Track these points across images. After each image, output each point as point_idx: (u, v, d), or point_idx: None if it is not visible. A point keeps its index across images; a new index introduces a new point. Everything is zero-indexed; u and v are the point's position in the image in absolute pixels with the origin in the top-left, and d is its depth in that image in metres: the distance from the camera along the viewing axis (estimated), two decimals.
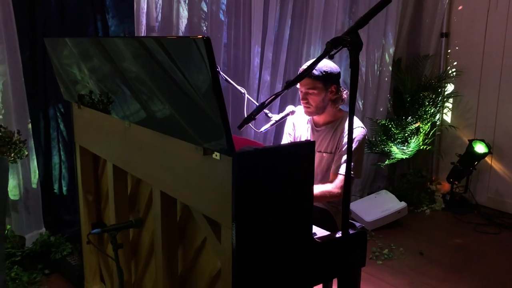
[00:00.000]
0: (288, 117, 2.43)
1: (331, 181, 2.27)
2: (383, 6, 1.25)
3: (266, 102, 1.60)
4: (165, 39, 1.41)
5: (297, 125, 2.48)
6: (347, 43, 1.25)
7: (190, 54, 1.28)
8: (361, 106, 4.62)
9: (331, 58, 1.31)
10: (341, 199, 2.21)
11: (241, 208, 1.41)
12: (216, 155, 1.44)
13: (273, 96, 1.56)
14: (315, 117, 2.40)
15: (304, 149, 1.52)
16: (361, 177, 2.28)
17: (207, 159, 1.49)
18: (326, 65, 2.23)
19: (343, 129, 2.29)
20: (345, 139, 2.24)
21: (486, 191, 4.73)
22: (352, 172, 2.21)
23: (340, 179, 2.23)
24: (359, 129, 2.26)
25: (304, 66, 2.19)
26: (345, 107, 2.37)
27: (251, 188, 1.43)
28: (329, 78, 2.23)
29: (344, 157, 2.22)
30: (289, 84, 1.50)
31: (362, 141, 2.27)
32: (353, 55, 1.26)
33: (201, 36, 1.20)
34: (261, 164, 1.44)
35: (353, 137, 2.21)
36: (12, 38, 3.06)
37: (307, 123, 2.44)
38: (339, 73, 2.29)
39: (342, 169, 2.23)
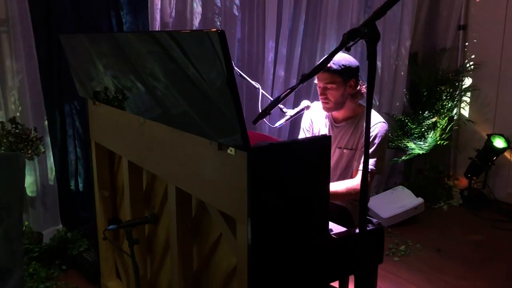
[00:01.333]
0: (305, 113, 2.40)
1: (354, 178, 2.23)
2: None
3: (281, 97, 1.58)
4: (178, 34, 1.40)
5: (315, 121, 2.44)
6: (364, 34, 1.22)
7: (204, 48, 1.27)
8: (377, 101, 4.57)
9: (347, 50, 1.29)
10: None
11: (257, 203, 1.40)
12: (231, 150, 1.43)
13: (288, 90, 1.53)
14: (334, 113, 2.34)
15: (320, 143, 1.50)
16: (383, 173, 2.23)
17: (222, 154, 1.47)
18: (345, 58, 2.19)
19: (360, 125, 2.25)
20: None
21: (506, 186, 4.63)
22: (374, 168, 2.17)
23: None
24: (381, 124, 2.21)
25: None
26: (364, 102, 2.33)
27: (267, 183, 1.41)
28: (348, 72, 2.18)
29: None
30: (305, 78, 1.47)
31: (385, 137, 2.22)
32: (371, 47, 1.23)
33: (215, 30, 1.19)
34: (276, 159, 1.42)
35: (376, 133, 2.18)
36: (28, 36, 3.08)
37: (326, 118, 2.40)
38: (358, 67, 2.23)
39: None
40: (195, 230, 1.91)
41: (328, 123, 2.39)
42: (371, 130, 2.19)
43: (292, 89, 1.54)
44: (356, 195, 2.18)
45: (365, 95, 2.26)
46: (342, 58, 2.19)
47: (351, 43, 1.27)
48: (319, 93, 2.26)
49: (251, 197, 1.38)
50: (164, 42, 1.46)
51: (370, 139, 2.19)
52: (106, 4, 3.39)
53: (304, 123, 2.48)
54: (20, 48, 3.06)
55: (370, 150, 2.18)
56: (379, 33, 1.22)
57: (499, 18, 4.53)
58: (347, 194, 2.17)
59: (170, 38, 1.41)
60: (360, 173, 2.19)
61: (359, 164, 2.22)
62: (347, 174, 2.32)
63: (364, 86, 2.26)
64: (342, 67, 2.17)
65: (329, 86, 2.20)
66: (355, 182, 2.19)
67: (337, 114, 2.34)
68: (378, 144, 2.20)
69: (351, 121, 2.31)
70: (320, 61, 1.42)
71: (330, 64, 2.15)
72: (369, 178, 2.17)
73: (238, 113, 1.26)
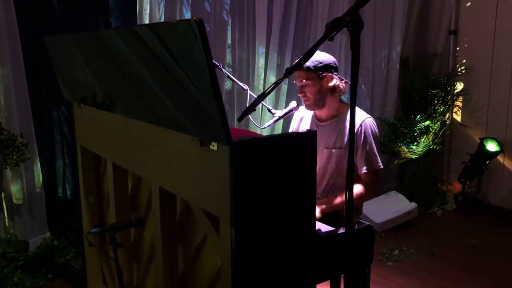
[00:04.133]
0: (295, 113, 2.38)
1: (359, 182, 2.22)
2: None
3: (266, 92, 1.54)
4: (158, 25, 1.36)
5: (304, 121, 2.44)
6: (347, 23, 1.19)
7: (183, 38, 1.23)
8: (369, 106, 4.55)
9: (331, 40, 1.25)
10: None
11: (240, 200, 1.35)
12: (213, 146, 1.39)
13: (273, 85, 1.49)
14: (318, 112, 2.34)
15: (306, 138, 1.46)
16: (382, 166, 2.24)
17: (204, 151, 1.43)
18: (318, 55, 2.21)
19: (346, 123, 2.23)
20: (358, 135, 2.20)
21: (499, 190, 4.61)
22: (380, 164, 2.20)
23: (368, 177, 2.19)
24: (368, 121, 2.20)
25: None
26: (348, 100, 2.31)
27: (250, 178, 1.37)
28: (322, 67, 2.20)
29: (362, 157, 2.19)
30: (289, 72, 1.44)
31: (375, 132, 2.22)
32: (354, 35, 1.20)
33: (194, 18, 1.15)
34: (260, 154, 1.38)
35: (365, 130, 2.16)
36: (15, 41, 3.05)
37: (311, 118, 2.39)
38: (333, 63, 2.24)
39: (362, 168, 2.19)
40: (181, 232, 1.85)
41: (313, 123, 2.38)
42: (359, 129, 2.17)
43: (276, 83, 1.50)
44: (367, 196, 2.22)
45: (345, 90, 2.27)
46: (315, 55, 2.21)
47: (334, 33, 1.24)
48: (298, 92, 2.27)
49: (234, 193, 1.34)
50: (145, 36, 1.42)
51: (362, 139, 2.17)
52: (95, 9, 3.36)
53: (294, 121, 2.47)
54: (6, 54, 3.02)
55: (366, 151, 2.19)
56: (362, 22, 1.19)
57: (489, 22, 4.55)
58: (357, 200, 2.18)
59: (150, 31, 1.38)
60: (365, 176, 2.19)
61: (362, 166, 2.20)
62: (338, 174, 2.28)
63: (343, 82, 2.26)
64: (315, 62, 2.19)
65: (304, 82, 2.22)
66: (360, 186, 2.20)
67: (320, 113, 2.33)
68: (371, 141, 2.19)
69: (336, 119, 2.29)
70: (304, 54, 1.39)
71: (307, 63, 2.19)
72: (377, 176, 2.22)
73: (218, 103, 1.21)
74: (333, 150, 2.25)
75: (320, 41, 1.31)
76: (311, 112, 2.38)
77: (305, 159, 1.48)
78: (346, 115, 2.26)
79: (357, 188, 2.19)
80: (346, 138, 2.22)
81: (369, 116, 2.24)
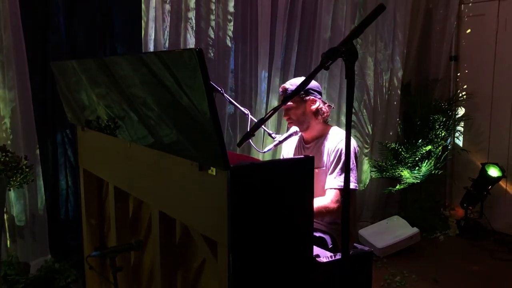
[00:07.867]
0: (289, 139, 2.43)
1: (323, 196, 2.25)
2: (377, 14, 1.23)
3: (265, 118, 1.58)
4: (164, 53, 1.41)
5: (290, 145, 2.54)
6: (342, 53, 1.23)
7: (187, 65, 1.28)
8: (370, 130, 4.58)
9: (326, 69, 1.29)
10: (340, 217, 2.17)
11: (237, 224, 1.37)
12: (212, 171, 1.41)
13: (271, 111, 1.53)
14: (304, 134, 2.44)
15: (303, 163, 1.49)
16: (355, 189, 2.28)
17: (203, 175, 1.46)
18: (301, 80, 2.28)
19: (326, 143, 2.33)
20: (330, 154, 2.28)
21: (503, 216, 4.58)
22: (339, 185, 2.22)
23: (333, 193, 2.23)
24: (344, 142, 2.25)
25: (286, 84, 2.31)
26: (333, 122, 2.39)
27: (248, 203, 1.39)
28: (305, 91, 2.29)
29: (335, 172, 2.24)
30: (287, 98, 1.48)
31: (353, 154, 2.27)
32: (349, 65, 1.24)
33: (193, 48, 1.20)
34: (257, 179, 1.40)
35: (341, 149, 2.22)
36: (22, 66, 3.11)
37: (297, 142, 2.50)
38: (316, 87, 2.36)
39: (332, 183, 2.23)
40: (180, 256, 1.86)
41: (298, 145, 2.48)
42: (336, 146, 2.28)
43: (275, 110, 1.54)
44: (327, 213, 2.23)
45: (328, 114, 2.37)
46: (299, 80, 2.31)
47: (330, 62, 1.28)
48: (284, 115, 2.38)
49: (231, 218, 1.36)
50: (151, 63, 1.46)
51: (337, 156, 2.26)
52: (101, 35, 3.45)
53: (284, 149, 2.58)
54: (14, 78, 3.08)
55: (339, 167, 2.24)
56: (357, 51, 1.23)
57: (489, 48, 4.61)
58: (318, 213, 2.20)
59: (157, 58, 1.42)
60: (330, 192, 2.24)
61: (331, 182, 2.26)
62: (323, 194, 2.32)
63: (326, 105, 2.36)
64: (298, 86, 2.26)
65: (288, 105, 2.32)
66: (325, 201, 2.23)
67: (306, 135, 2.44)
68: (342, 160, 2.24)
69: (319, 140, 2.39)
70: (301, 81, 1.43)
71: (288, 87, 2.30)
72: (339, 196, 2.23)
73: (216, 128, 1.25)
74: (316, 170, 2.31)
75: (316, 70, 1.35)
76: (296, 138, 2.47)
77: (302, 184, 1.50)
78: (327, 136, 2.36)
79: (322, 201, 2.21)
80: (324, 158, 2.30)
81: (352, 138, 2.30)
